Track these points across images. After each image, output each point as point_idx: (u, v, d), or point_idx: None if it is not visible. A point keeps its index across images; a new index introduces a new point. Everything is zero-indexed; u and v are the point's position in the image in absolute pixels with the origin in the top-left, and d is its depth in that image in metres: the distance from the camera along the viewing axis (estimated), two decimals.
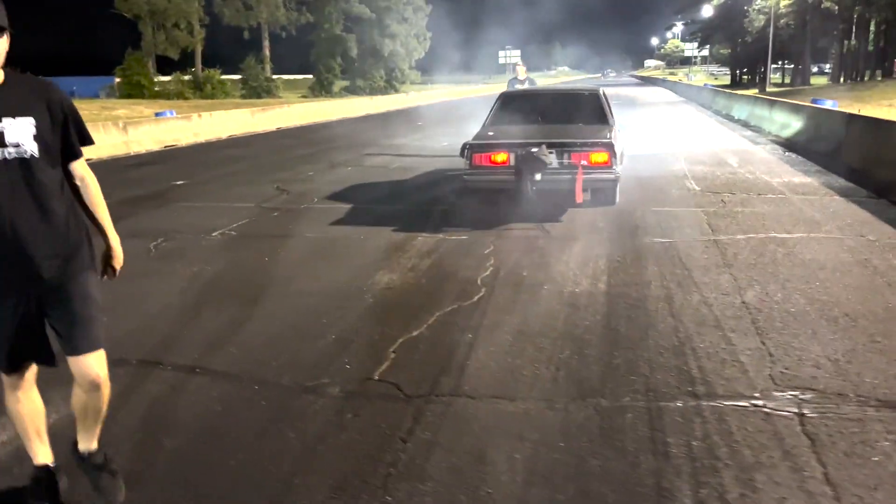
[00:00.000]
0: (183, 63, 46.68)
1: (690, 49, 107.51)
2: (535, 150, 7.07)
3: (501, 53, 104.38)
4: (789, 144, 14.21)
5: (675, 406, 3.34)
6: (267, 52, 52.21)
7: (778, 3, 54.45)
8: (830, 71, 61.59)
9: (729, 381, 3.59)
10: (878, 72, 56.44)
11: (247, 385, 3.76)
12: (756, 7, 60.27)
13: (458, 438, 3.11)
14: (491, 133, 8.07)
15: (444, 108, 34.86)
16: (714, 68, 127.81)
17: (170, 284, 5.60)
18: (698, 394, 3.47)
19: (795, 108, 15.22)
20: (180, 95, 41.59)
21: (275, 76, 52.27)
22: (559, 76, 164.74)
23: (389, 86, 61.64)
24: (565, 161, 7.25)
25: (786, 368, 3.73)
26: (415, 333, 4.41)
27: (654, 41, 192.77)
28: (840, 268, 5.58)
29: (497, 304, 4.92)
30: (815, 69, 72.84)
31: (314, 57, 57.71)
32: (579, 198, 7.11)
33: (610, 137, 7.41)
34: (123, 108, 29.15)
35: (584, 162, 7.16)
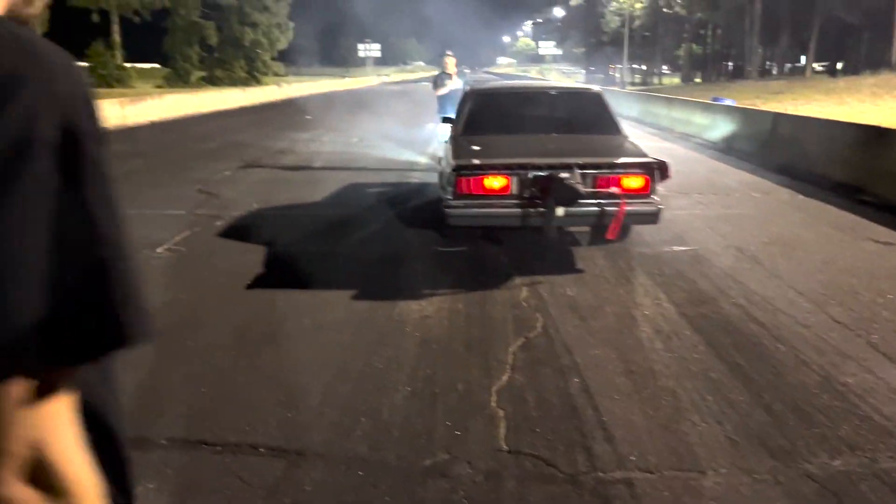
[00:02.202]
0: None
1: (545, 48, 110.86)
2: (564, 174, 5.08)
3: (361, 47, 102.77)
4: (724, 148, 14.20)
5: None
6: (117, 37, 47.91)
7: (633, 6, 57.15)
8: (681, 72, 65.49)
9: None
10: (714, 72, 60.88)
11: (340, 467, 2.82)
12: (612, 9, 62.99)
13: None
14: (477, 148, 5.77)
15: (323, 101, 33.40)
16: (565, 67, 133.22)
17: (161, 326, 4.41)
18: None
19: (714, 109, 15.40)
20: None
21: (127, 64, 48.13)
22: (416, 70, 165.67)
23: (251, 77, 58.68)
24: (589, 187, 5.24)
25: None
26: (505, 379, 3.62)
27: (506, 39, 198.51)
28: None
29: (571, 334, 4.21)
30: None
31: (169, 45, 53.77)
32: (613, 233, 5.24)
33: (648, 156, 5.48)
34: None
35: (615, 188, 5.21)
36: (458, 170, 5.27)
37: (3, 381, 0.60)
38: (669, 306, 4.68)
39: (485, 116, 6.61)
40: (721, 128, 14.10)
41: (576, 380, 3.61)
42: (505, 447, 2.98)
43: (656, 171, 5.24)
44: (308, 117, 22.98)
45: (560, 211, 5.12)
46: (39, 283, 0.59)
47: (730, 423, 3.15)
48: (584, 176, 5.15)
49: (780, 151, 11.26)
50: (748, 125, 12.98)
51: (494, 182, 5.25)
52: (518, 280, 5.24)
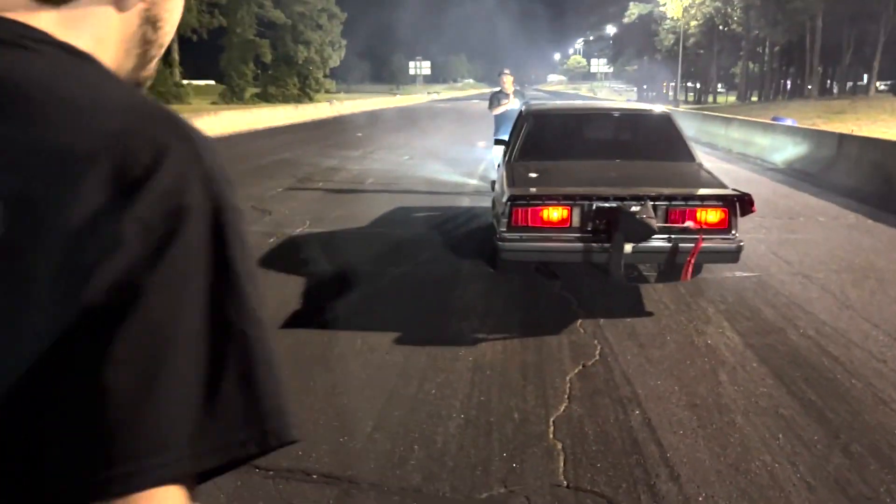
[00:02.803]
0: None
1: (596, 65, 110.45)
2: (635, 207, 4.50)
3: (411, 64, 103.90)
4: (786, 169, 13.71)
5: None
6: (176, 55, 49.37)
7: (688, 23, 56.43)
8: (737, 90, 64.35)
9: None
10: (772, 91, 59.64)
11: (393, 498, 2.73)
12: (666, 27, 62.33)
13: None
14: (534, 175, 5.32)
15: (373, 118, 33.78)
16: (617, 84, 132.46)
17: None
18: None
19: (774, 129, 15.00)
20: None
21: (184, 81, 49.51)
22: (466, 88, 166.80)
23: (303, 94, 59.80)
24: (660, 221, 4.68)
25: None
26: (562, 409, 3.49)
27: (557, 56, 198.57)
28: None
29: (630, 363, 4.06)
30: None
31: (225, 62, 55.20)
32: (687, 274, 4.62)
33: (727, 187, 4.96)
34: None
35: (690, 223, 4.65)
36: (514, 200, 4.74)
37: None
38: (734, 335, 4.48)
39: (543, 139, 6.09)
40: (782, 149, 13.71)
41: (636, 412, 3.46)
42: (564, 482, 2.86)
43: (737, 203, 4.68)
44: (359, 134, 23.22)
45: (628, 248, 4.59)
46: (194, 369, 0.51)
47: (804, 465, 2.97)
48: (655, 208, 4.61)
49: (846, 174, 10.87)
50: (811, 146, 12.58)
51: (554, 213, 4.74)
52: (573, 304, 5.10)
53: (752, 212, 4.70)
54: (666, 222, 4.65)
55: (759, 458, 3.03)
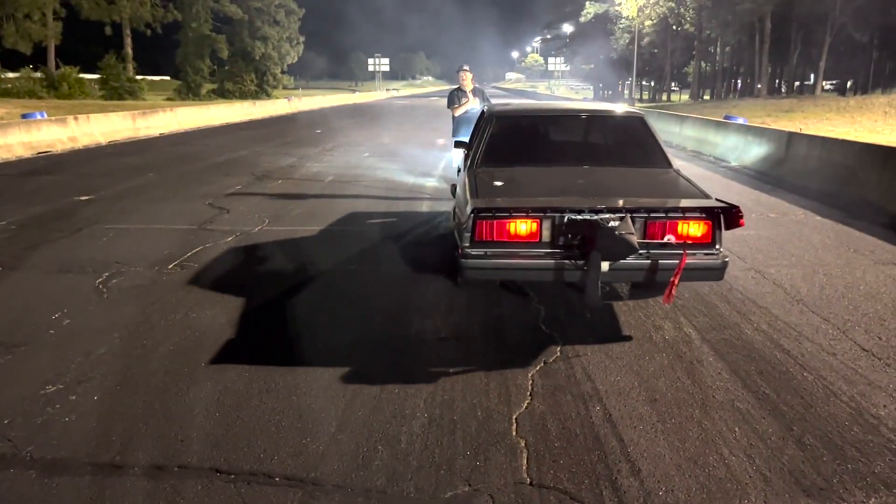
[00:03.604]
0: (34, 59, 41.99)
1: (553, 63, 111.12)
2: (614, 222, 4.03)
3: (371, 61, 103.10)
4: (737, 167, 13.96)
5: None
6: (129, 50, 48.23)
7: (643, 23, 57.22)
8: (690, 88, 65.47)
9: None
10: (723, 90, 60.92)
11: (357, 499, 2.73)
12: (621, 26, 63.09)
13: None
14: (500, 184, 4.90)
15: (332, 115, 33.51)
16: (574, 82, 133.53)
17: (173, 347, 4.34)
18: None
19: (727, 128, 15.32)
20: (32, 94, 37.26)
21: (138, 76, 48.41)
22: (425, 85, 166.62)
23: (261, 90, 59.06)
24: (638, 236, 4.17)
25: None
26: (525, 406, 3.52)
27: (515, 55, 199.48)
28: None
29: (591, 359, 4.11)
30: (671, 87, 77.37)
31: (180, 57, 54.19)
32: (670, 297, 4.14)
33: (711, 197, 4.49)
34: None
35: (671, 237, 4.19)
36: (478, 212, 4.16)
37: None
38: (691, 331, 4.57)
39: (507, 144, 5.59)
40: (734, 147, 14.01)
41: (597, 408, 3.51)
42: (528, 479, 2.88)
43: (722, 216, 4.19)
44: (318, 131, 23.03)
45: (605, 266, 4.10)
46: None
47: (759, 458, 3.05)
48: (632, 220, 4.11)
49: (795, 171, 11.16)
50: (762, 144, 12.89)
51: (522, 227, 4.21)
52: (534, 301, 5.14)
53: (739, 225, 4.15)
54: (644, 236, 4.20)
55: (716, 452, 3.10)
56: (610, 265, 4.12)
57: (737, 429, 3.30)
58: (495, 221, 4.22)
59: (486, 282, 5.22)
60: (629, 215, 4.08)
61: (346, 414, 3.42)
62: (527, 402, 3.58)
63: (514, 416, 3.41)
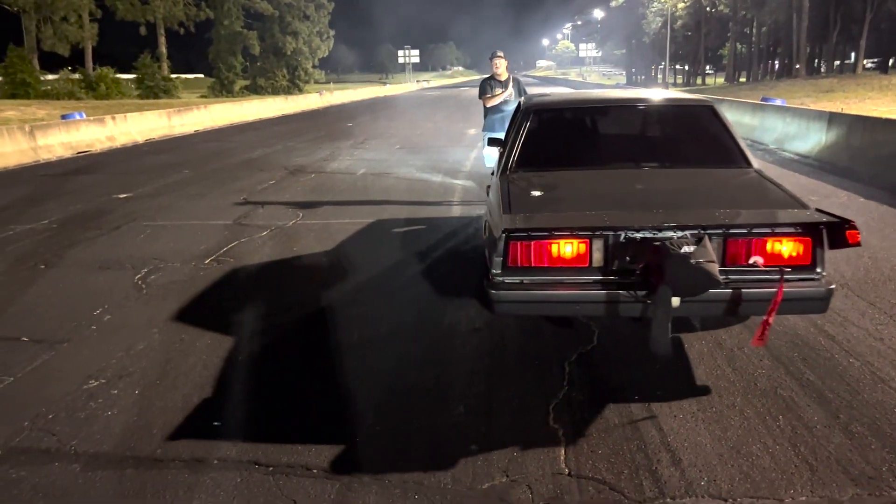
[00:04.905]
0: (71, 60, 42.83)
1: (584, 50, 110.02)
2: (688, 247, 3.12)
3: (401, 53, 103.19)
4: (776, 149, 13.92)
5: None
6: (164, 49, 48.97)
7: (675, 5, 56.31)
8: (725, 71, 64.27)
9: None
10: (760, 71, 59.66)
11: (395, 491, 2.72)
12: (653, 9, 62.16)
13: None
14: (538, 194, 4.13)
15: (363, 108, 33.65)
16: (605, 69, 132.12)
17: (211, 341, 4.39)
18: None
19: (764, 110, 14.90)
20: (71, 95, 38.02)
21: (173, 75, 49.12)
22: (455, 76, 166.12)
23: (293, 85, 59.52)
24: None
25: None
26: (561, 396, 3.48)
27: (545, 42, 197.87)
28: None
29: (627, 348, 4.05)
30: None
31: (213, 55, 54.90)
32: (763, 339, 3.17)
33: (809, 207, 3.52)
34: (12, 110, 26.18)
35: (758, 259, 3.26)
36: (511, 232, 3.31)
37: None
38: (730, 317, 4.48)
39: (547, 143, 4.73)
40: (772, 129, 13.70)
41: (636, 397, 3.45)
42: (566, 469, 2.85)
43: (825, 232, 3.29)
44: (349, 124, 23.12)
45: (676, 301, 3.19)
46: None
47: (805, 447, 2.97)
48: (709, 237, 3.24)
49: (836, 152, 10.87)
50: (801, 126, 12.58)
51: (567, 248, 3.35)
52: None
53: (850, 244, 3.26)
54: (723, 259, 3.31)
55: (759, 441, 3.03)
56: (680, 301, 3.22)
57: (780, 417, 3.22)
58: (533, 242, 3.36)
59: (521, 317, 4.36)
60: (707, 236, 3.22)
61: (382, 405, 3.42)
62: (563, 391, 3.53)
63: (550, 406, 3.38)
